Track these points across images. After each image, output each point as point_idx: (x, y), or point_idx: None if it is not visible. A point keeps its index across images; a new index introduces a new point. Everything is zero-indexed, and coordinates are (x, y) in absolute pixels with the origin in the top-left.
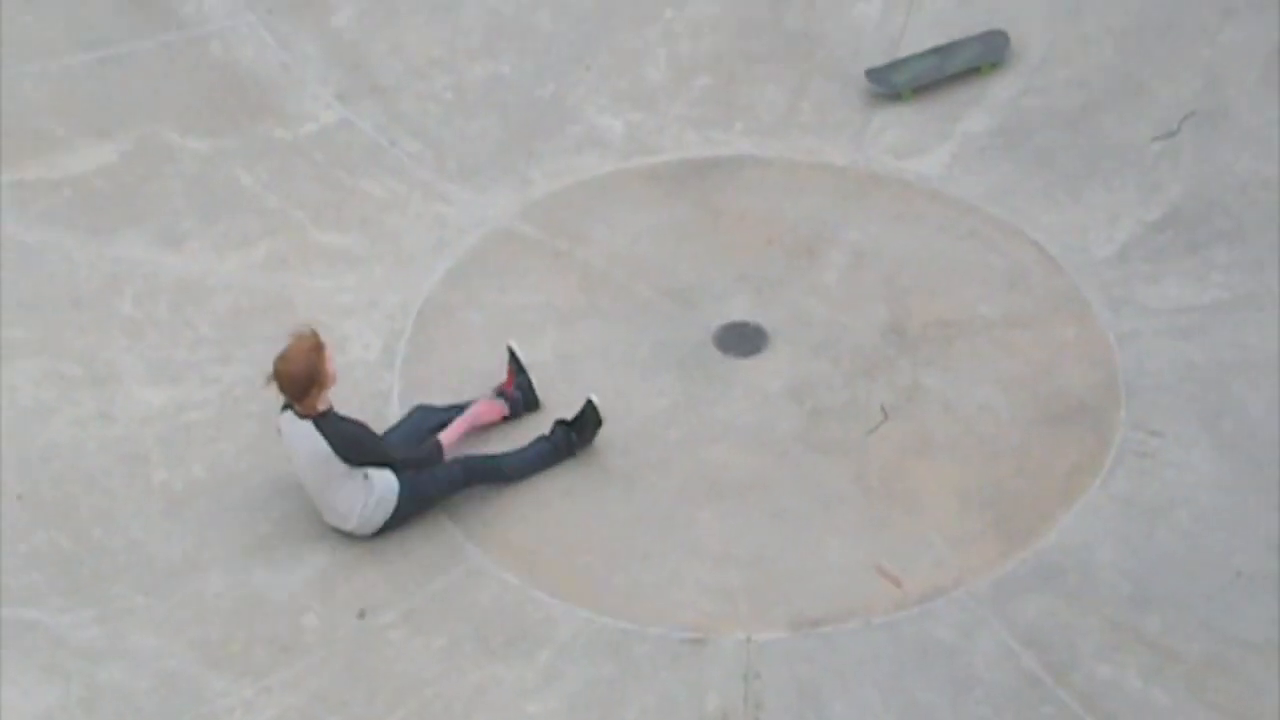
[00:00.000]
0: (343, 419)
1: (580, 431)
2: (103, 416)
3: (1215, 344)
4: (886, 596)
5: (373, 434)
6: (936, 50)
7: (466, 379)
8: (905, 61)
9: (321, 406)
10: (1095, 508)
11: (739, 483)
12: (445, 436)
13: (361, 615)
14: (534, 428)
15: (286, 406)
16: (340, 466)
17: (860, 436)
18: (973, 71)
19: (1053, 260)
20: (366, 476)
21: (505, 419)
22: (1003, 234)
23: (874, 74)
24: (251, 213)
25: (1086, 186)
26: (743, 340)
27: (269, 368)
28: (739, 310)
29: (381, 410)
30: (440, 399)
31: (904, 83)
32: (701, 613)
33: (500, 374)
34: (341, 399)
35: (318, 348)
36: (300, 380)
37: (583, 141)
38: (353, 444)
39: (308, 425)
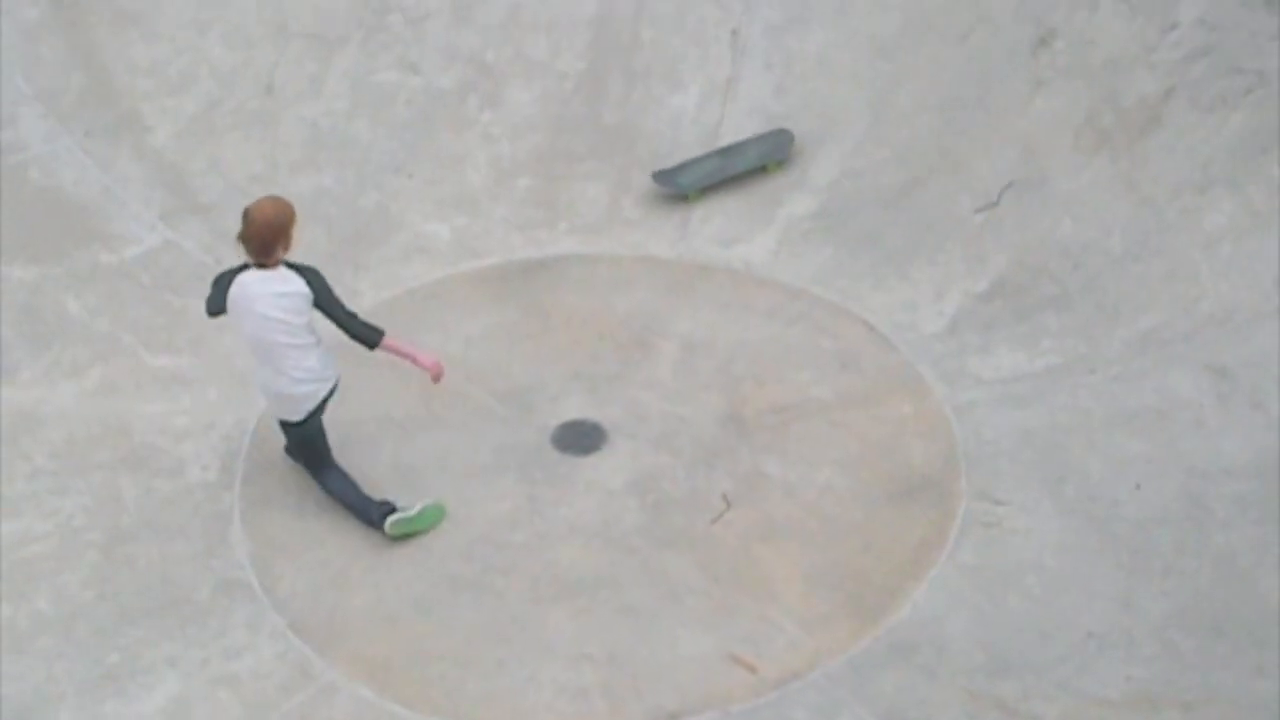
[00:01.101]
0: (310, 270)
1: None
2: None
3: (1051, 409)
4: (743, 684)
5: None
6: (722, 151)
7: (307, 494)
8: (691, 163)
9: (284, 253)
10: (945, 579)
11: (587, 581)
12: (390, 340)
13: None
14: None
15: (237, 273)
16: (304, 319)
17: (705, 526)
18: (759, 170)
19: (884, 338)
20: (319, 341)
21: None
22: (832, 315)
23: (660, 176)
24: (81, 340)
25: (912, 263)
26: (581, 438)
27: (117, 483)
28: (575, 409)
29: (224, 533)
30: (281, 518)
31: (689, 184)
32: (559, 715)
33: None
34: (183, 525)
35: (292, 208)
36: (274, 227)
37: (409, 249)
38: (321, 280)
39: (277, 273)
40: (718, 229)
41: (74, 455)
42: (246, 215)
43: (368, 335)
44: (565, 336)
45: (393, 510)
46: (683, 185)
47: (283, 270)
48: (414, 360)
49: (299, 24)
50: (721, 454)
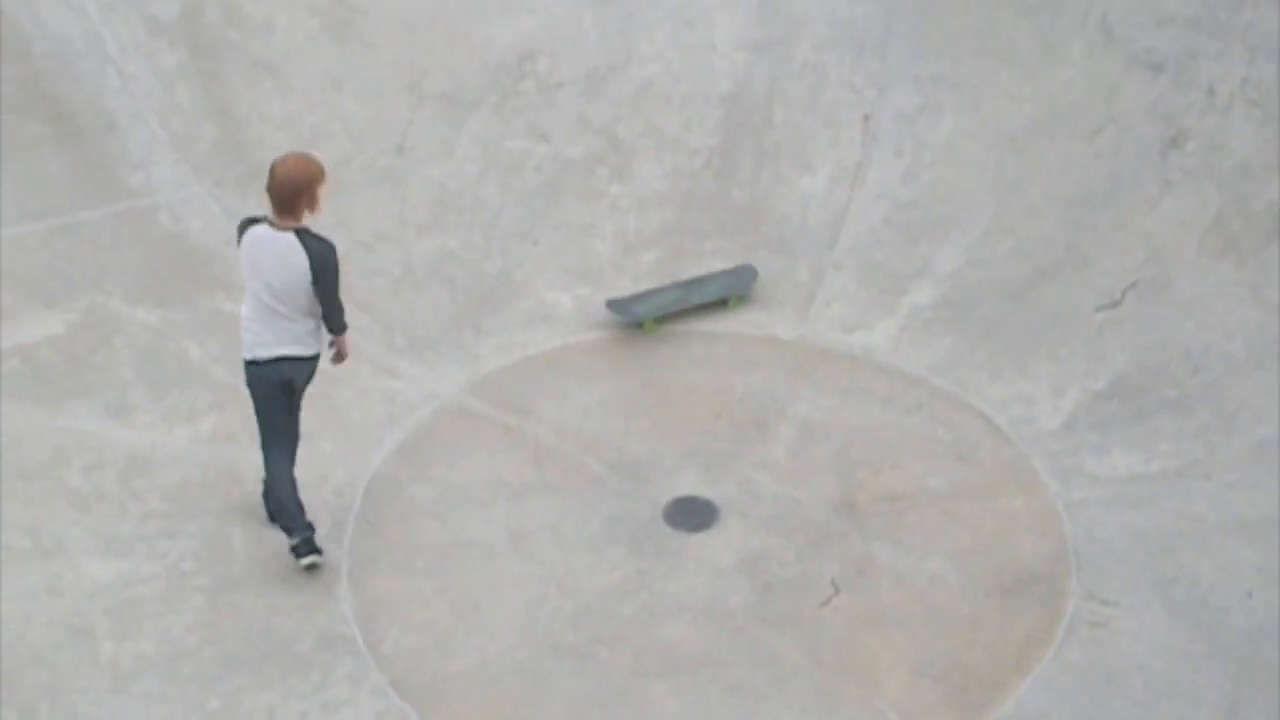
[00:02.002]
0: (328, 246)
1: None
2: (50, 590)
3: (1164, 512)
4: None
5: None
6: (683, 283)
7: (416, 553)
8: (650, 294)
9: (308, 217)
10: (1049, 678)
11: (692, 658)
12: (344, 339)
13: None
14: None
15: (257, 221)
16: (304, 290)
17: (812, 610)
18: (719, 303)
19: (1000, 431)
20: (319, 326)
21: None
22: (950, 406)
23: (615, 304)
24: (200, 385)
25: (1032, 357)
26: (693, 515)
27: (227, 530)
28: (689, 485)
29: (331, 588)
30: (389, 576)
31: (645, 313)
32: None
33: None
34: (290, 576)
35: (320, 166)
36: (299, 184)
37: (531, 315)
38: (327, 263)
39: (288, 236)
40: (840, 313)
41: (186, 500)
42: (272, 169)
43: (340, 322)
44: (682, 412)
45: (313, 549)
46: (638, 314)
47: (294, 240)
48: (340, 349)
49: (433, 85)
50: (833, 538)
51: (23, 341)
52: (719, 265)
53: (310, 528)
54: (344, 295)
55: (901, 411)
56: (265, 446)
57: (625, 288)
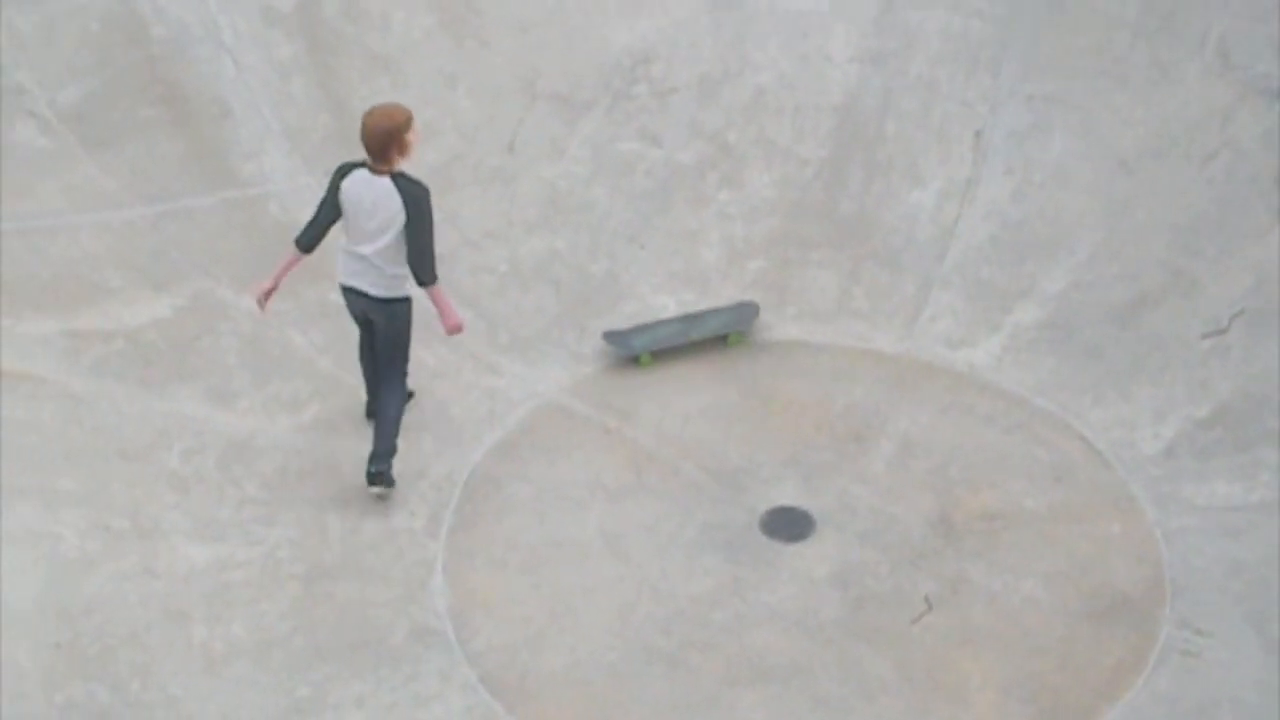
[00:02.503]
0: (423, 189)
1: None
2: (146, 571)
3: (1263, 544)
4: None
5: (432, 231)
6: (684, 318)
7: (512, 550)
8: (648, 327)
9: (399, 161)
10: (1139, 706)
11: (782, 668)
12: (437, 290)
13: None
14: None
15: (355, 168)
16: (396, 232)
17: (904, 626)
18: (719, 339)
19: (1100, 455)
20: (406, 277)
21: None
22: (1051, 427)
23: (611, 336)
24: (303, 375)
25: (1135, 381)
26: (789, 525)
27: (323, 519)
28: (786, 495)
29: (425, 581)
30: (484, 572)
31: (641, 346)
32: None
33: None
34: (385, 568)
35: (407, 113)
36: (391, 132)
37: (635, 318)
38: (419, 204)
39: (384, 180)
40: (945, 329)
41: (284, 488)
42: (363, 120)
43: (427, 272)
44: (783, 422)
45: (385, 479)
46: (635, 347)
47: (388, 183)
48: (441, 314)
49: (547, 85)
50: (928, 555)
51: (130, 324)
52: (824, 277)
53: (388, 456)
54: (452, 292)
55: (1002, 430)
56: (381, 375)
57: (731, 295)
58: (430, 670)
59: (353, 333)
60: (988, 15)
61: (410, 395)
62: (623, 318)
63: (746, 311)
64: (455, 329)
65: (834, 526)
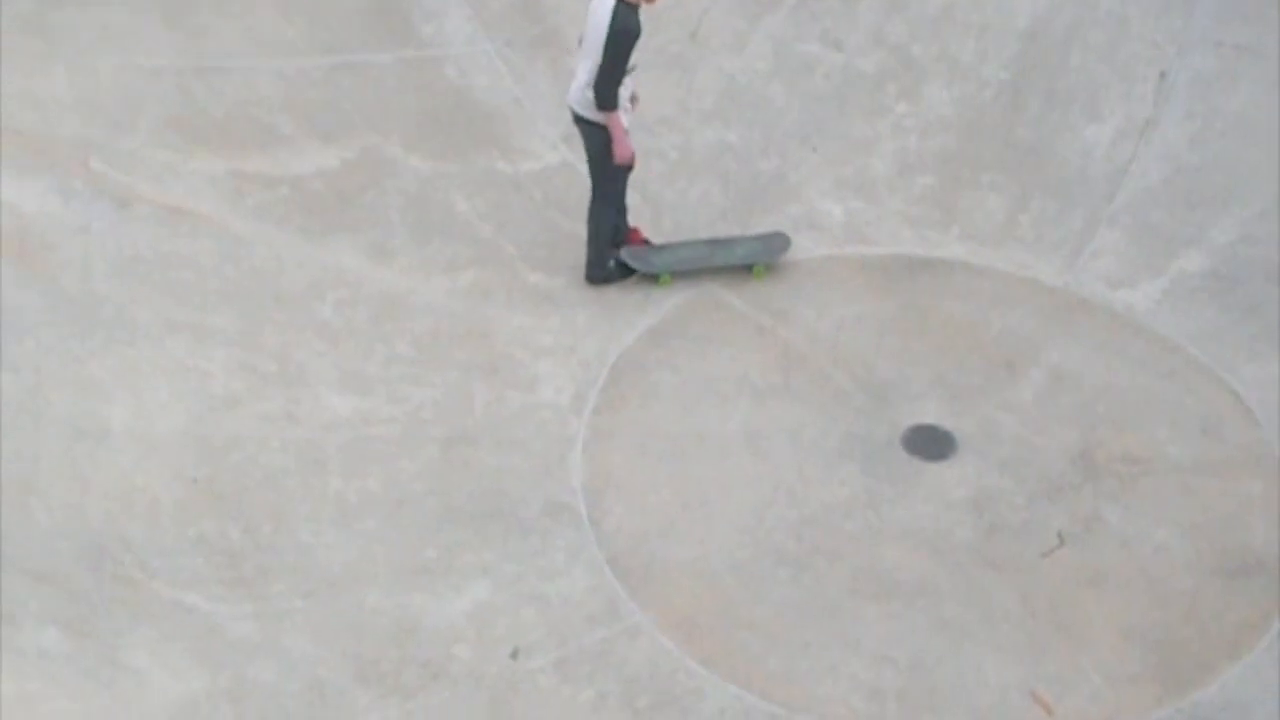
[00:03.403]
0: (624, 17)
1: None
2: (288, 416)
3: None
4: None
5: (625, 57)
6: (711, 241)
7: (653, 436)
8: (673, 246)
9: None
10: (1259, 666)
11: (908, 585)
12: (614, 117)
13: (514, 655)
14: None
15: None
16: (598, 50)
17: (1034, 558)
18: (744, 269)
19: (1249, 411)
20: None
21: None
22: (1203, 377)
23: (632, 254)
24: (463, 239)
25: None
26: (931, 444)
27: (469, 385)
28: (931, 413)
29: (564, 457)
30: (623, 455)
31: (662, 265)
32: (851, 710)
33: None
34: (526, 440)
35: None
36: None
37: (800, 222)
38: (621, 27)
39: (610, 2)
40: (1107, 267)
41: (434, 349)
42: None
43: (603, 97)
44: (936, 341)
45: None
46: (656, 266)
47: (610, 6)
48: (613, 141)
49: None
50: (1065, 491)
51: (297, 172)
52: (992, 200)
53: (592, 265)
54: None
55: (1153, 375)
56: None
57: (897, 207)
58: (559, 546)
59: (513, 204)
60: None
61: (616, 253)
62: (787, 218)
63: (775, 243)
64: (623, 159)
65: (975, 451)
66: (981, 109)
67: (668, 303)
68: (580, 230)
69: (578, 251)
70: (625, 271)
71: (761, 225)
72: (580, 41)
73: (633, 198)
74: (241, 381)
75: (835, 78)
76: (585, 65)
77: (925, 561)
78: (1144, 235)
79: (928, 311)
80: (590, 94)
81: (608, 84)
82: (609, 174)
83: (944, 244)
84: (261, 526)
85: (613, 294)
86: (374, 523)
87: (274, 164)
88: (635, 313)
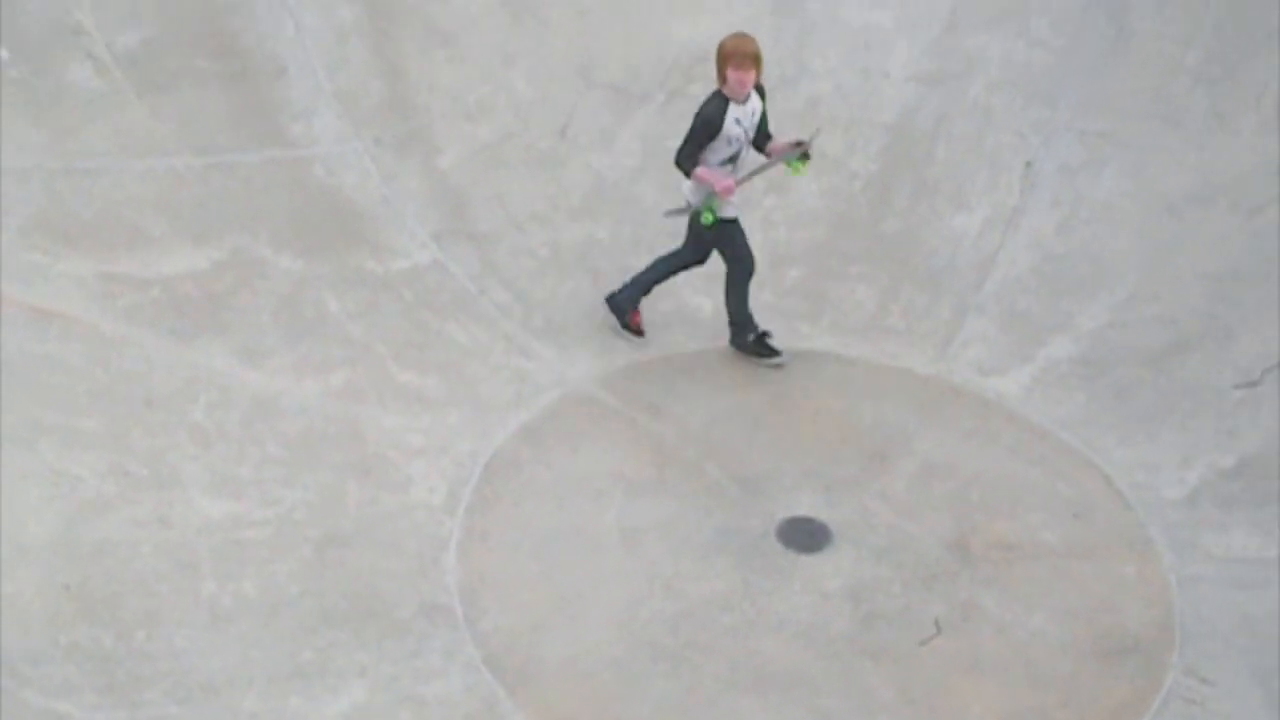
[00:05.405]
0: (707, 104)
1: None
2: (160, 520)
3: (1275, 599)
4: None
5: (699, 136)
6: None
7: (526, 533)
8: None
9: (718, 86)
10: None
11: (785, 677)
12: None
13: None
14: None
15: None
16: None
17: (911, 647)
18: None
19: (1121, 495)
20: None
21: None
22: (1074, 463)
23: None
24: (335, 340)
25: (1163, 426)
26: (806, 535)
27: (342, 486)
28: (805, 505)
29: (438, 558)
30: (498, 554)
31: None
32: None
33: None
34: (400, 540)
35: (724, 47)
36: (721, 49)
37: (671, 317)
38: (698, 113)
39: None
40: (977, 355)
41: (307, 450)
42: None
43: (678, 162)
44: (808, 432)
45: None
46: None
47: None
48: (714, 187)
49: (604, 74)
50: (941, 578)
51: (166, 273)
52: (862, 291)
53: (751, 331)
54: (491, 272)
55: (1025, 462)
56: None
57: (767, 302)
58: (435, 646)
59: (384, 304)
60: (1050, 46)
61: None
62: (658, 314)
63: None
64: (725, 190)
65: (850, 541)
66: (850, 200)
67: (540, 400)
68: (448, 327)
69: (449, 351)
70: (763, 349)
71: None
72: None
73: (503, 295)
74: (113, 485)
75: None
76: None
77: (802, 653)
78: (1013, 323)
79: (800, 403)
80: (690, 185)
81: (683, 151)
82: (734, 255)
83: (814, 335)
84: (135, 632)
85: (485, 391)
86: (248, 626)
87: (144, 265)
88: (508, 410)
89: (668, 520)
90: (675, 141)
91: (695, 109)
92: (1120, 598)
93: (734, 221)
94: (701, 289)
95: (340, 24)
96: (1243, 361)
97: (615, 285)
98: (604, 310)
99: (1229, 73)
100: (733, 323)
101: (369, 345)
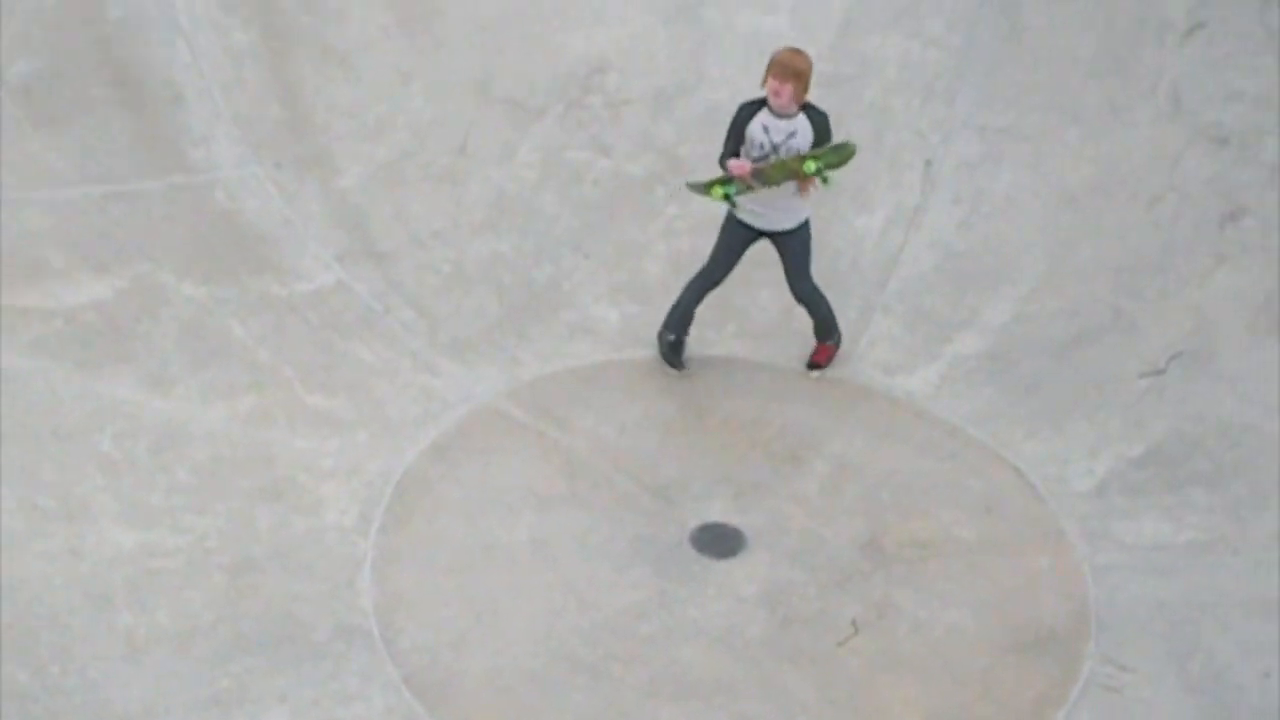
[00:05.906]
0: (742, 107)
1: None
2: (72, 553)
3: (1188, 585)
4: None
5: (729, 133)
6: None
7: (440, 551)
8: None
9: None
10: None
11: (705, 684)
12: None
13: None
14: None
15: None
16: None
17: (829, 648)
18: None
19: (1032, 488)
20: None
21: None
22: (984, 458)
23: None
24: (240, 365)
25: (1070, 417)
26: (719, 541)
27: (253, 511)
28: (718, 511)
29: (352, 579)
30: (412, 572)
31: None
32: None
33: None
34: (313, 563)
35: (771, 62)
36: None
37: (576, 328)
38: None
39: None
40: (883, 356)
41: (215, 477)
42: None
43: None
44: (718, 438)
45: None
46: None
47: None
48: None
49: (500, 89)
50: (856, 579)
51: (69, 304)
52: (766, 296)
53: (674, 332)
54: (395, 290)
55: (935, 459)
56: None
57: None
58: (353, 668)
59: (289, 327)
60: (945, 45)
61: None
62: (563, 325)
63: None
64: (738, 170)
65: (764, 545)
66: None
67: (449, 416)
68: (354, 347)
69: (356, 371)
70: (672, 354)
71: (537, 334)
72: None
73: (408, 313)
74: (22, 520)
75: (605, 183)
76: None
77: (721, 659)
78: (918, 321)
79: (708, 410)
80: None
81: (722, 154)
82: (714, 254)
83: (721, 342)
84: (49, 667)
85: (393, 412)
86: (164, 656)
87: (46, 297)
88: (416, 429)
89: (581, 532)
90: (574, 153)
91: (591, 121)
92: (1035, 590)
93: (742, 227)
94: (604, 298)
95: (235, 47)
96: (1147, 351)
97: (521, 299)
98: (510, 324)
99: (1121, 65)
100: (671, 312)
101: (276, 369)
